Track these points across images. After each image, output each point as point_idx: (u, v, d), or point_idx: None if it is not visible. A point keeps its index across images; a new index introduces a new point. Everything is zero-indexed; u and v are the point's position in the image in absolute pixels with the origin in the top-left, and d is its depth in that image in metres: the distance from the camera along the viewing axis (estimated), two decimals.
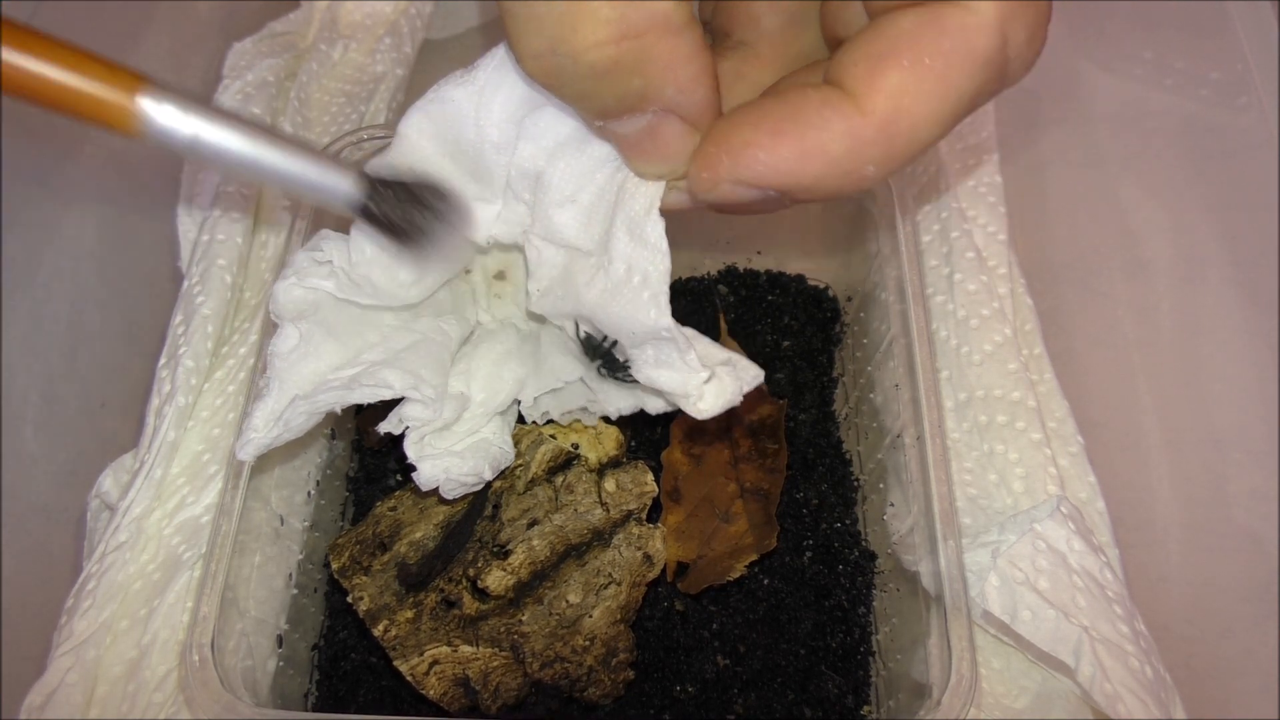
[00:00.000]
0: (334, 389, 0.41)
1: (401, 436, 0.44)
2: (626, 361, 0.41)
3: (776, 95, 0.32)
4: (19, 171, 0.54)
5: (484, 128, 0.39)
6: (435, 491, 0.45)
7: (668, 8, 0.30)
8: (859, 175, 0.31)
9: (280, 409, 0.41)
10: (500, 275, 0.47)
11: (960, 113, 0.30)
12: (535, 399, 0.47)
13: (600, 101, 0.32)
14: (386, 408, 0.49)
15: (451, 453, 0.44)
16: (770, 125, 0.31)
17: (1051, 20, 0.34)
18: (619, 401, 0.45)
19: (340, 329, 0.43)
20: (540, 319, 0.46)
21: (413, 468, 0.43)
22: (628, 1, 0.29)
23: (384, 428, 0.44)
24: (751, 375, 0.41)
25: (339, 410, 0.42)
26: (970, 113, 0.31)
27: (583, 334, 0.42)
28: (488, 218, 0.42)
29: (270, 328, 0.44)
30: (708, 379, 0.39)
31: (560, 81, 0.32)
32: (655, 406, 0.44)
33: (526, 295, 0.43)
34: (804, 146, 0.30)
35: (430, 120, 0.40)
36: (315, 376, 0.42)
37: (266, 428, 0.41)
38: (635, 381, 0.42)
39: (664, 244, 0.37)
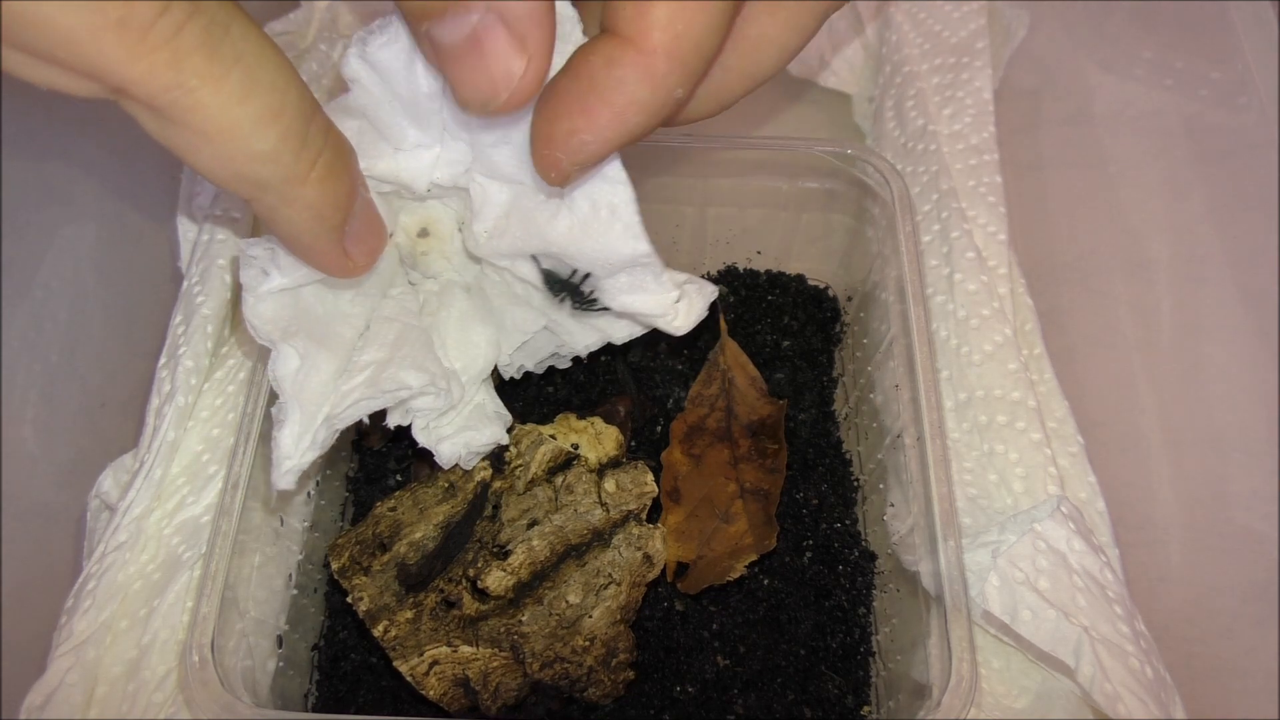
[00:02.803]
0: (357, 403, 0.41)
1: (402, 431, 0.44)
2: (593, 293, 0.42)
3: (567, 71, 0.32)
4: (19, 172, 0.54)
5: (415, 78, 0.38)
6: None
7: None
8: (673, 102, 0.32)
9: (311, 429, 0.41)
10: (423, 232, 0.46)
11: (730, 11, 0.31)
12: (510, 356, 0.47)
13: None
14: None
15: (465, 428, 0.45)
16: (578, 106, 0.32)
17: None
18: (585, 338, 0.45)
19: (320, 335, 0.42)
20: (476, 265, 0.46)
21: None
22: None
23: (393, 421, 0.43)
24: (710, 290, 0.43)
25: (366, 419, 0.42)
26: (737, 5, 0.32)
27: (544, 270, 0.42)
28: (425, 164, 0.41)
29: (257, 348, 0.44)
30: (678, 298, 0.41)
31: None
32: (620, 335, 0.45)
33: (474, 239, 0.43)
34: (615, 109, 0.31)
35: (368, 68, 0.39)
36: (324, 389, 0.41)
37: (299, 452, 0.41)
38: (603, 309, 0.43)
39: (622, 174, 0.38)
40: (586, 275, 0.41)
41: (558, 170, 0.34)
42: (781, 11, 0.36)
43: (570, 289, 0.43)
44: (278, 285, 0.40)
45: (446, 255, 0.46)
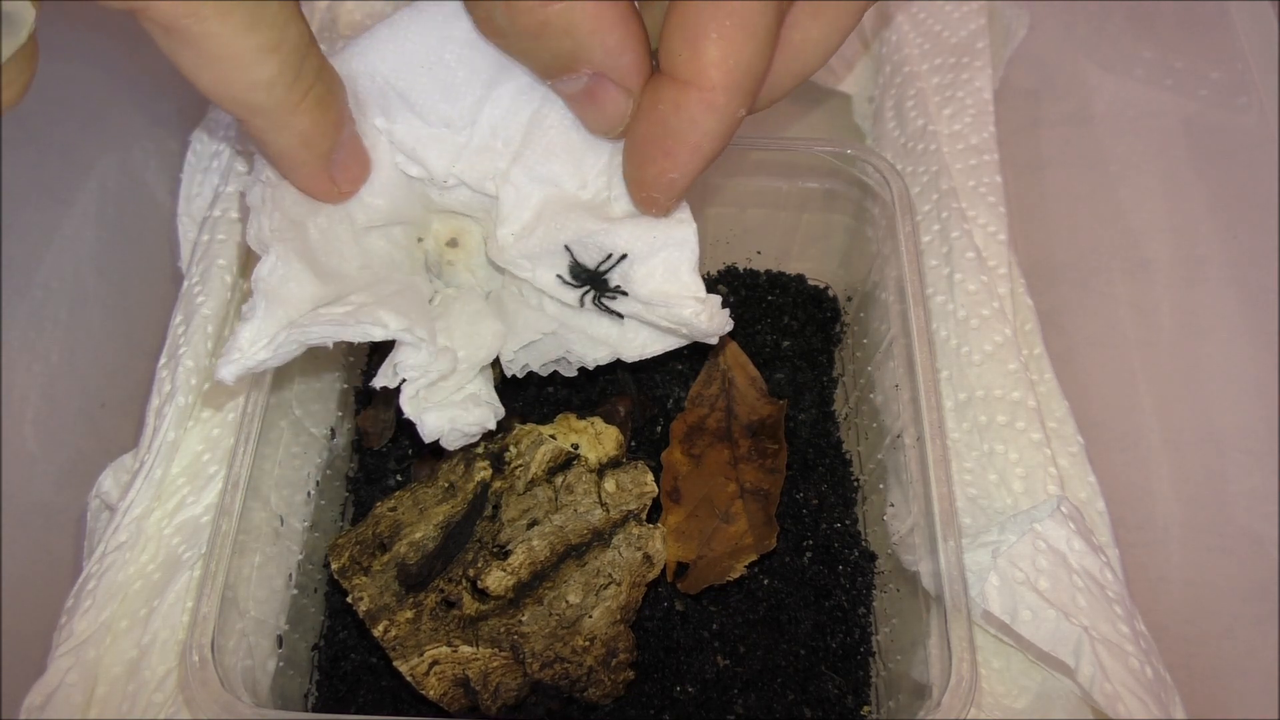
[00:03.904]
0: (328, 322, 0.40)
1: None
2: (618, 285, 0.43)
3: (642, 120, 0.37)
4: (19, 173, 0.54)
5: (458, 62, 0.40)
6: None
7: None
8: (740, 120, 0.36)
9: (271, 331, 0.39)
10: (452, 242, 0.47)
11: (773, 32, 0.35)
12: (515, 353, 0.47)
13: (540, 60, 0.37)
14: (386, 406, 0.48)
15: (453, 403, 0.45)
16: (660, 150, 0.37)
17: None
18: (595, 352, 0.46)
19: (315, 259, 0.42)
20: (498, 279, 0.47)
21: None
22: None
23: (379, 382, 0.43)
24: (725, 316, 0.44)
25: (330, 345, 0.41)
26: (779, 22, 0.35)
27: (571, 261, 0.43)
28: (449, 149, 0.42)
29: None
30: (703, 300, 0.43)
31: (506, 42, 0.37)
32: (630, 353, 0.46)
33: (497, 244, 0.44)
34: (692, 144, 0.36)
35: (423, 22, 0.40)
36: (299, 303, 0.40)
37: (253, 350, 0.39)
38: (617, 314, 0.44)
39: None
40: (621, 258, 0.42)
41: (657, 207, 0.40)
42: (823, 15, 0.38)
43: (595, 280, 0.43)
44: (273, 176, 0.41)
45: (471, 269, 0.47)
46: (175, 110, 0.63)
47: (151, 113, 0.63)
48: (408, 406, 0.43)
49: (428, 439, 0.44)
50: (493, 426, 0.46)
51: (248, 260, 0.57)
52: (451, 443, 0.45)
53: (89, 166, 0.59)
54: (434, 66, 0.40)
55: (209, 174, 0.59)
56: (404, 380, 0.43)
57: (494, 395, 0.47)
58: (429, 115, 0.41)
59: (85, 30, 0.60)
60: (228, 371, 0.39)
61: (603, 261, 0.42)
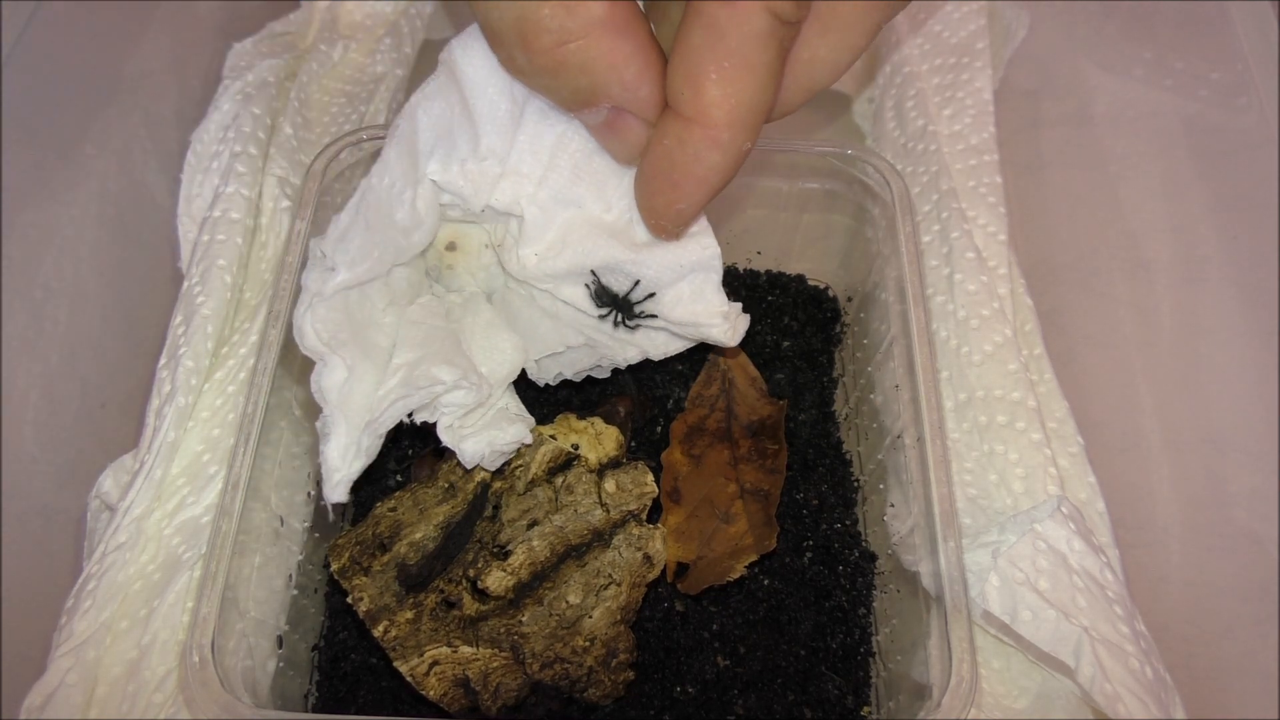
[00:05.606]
0: (396, 400, 0.41)
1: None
2: (643, 310, 0.45)
3: (650, 155, 0.38)
4: (19, 172, 0.54)
5: (500, 95, 0.41)
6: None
7: (602, 10, 0.33)
8: (746, 153, 0.36)
9: (356, 440, 0.41)
10: (451, 246, 0.47)
11: (776, 66, 0.35)
12: (538, 362, 0.48)
13: (561, 96, 0.38)
14: None
15: (489, 427, 0.46)
16: (667, 184, 0.38)
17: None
18: (625, 353, 0.47)
19: (363, 345, 0.43)
20: (499, 279, 0.47)
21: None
22: (565, 5, 0.33)
23: (419, 417, 0.44)
24: (746, 318, 0.47)
25: (406, 420, 0.43)
26: (783, 56, 0.35)
27: (595, 285, 0.44)
28: (489, 180, 0.43)
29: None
30: (727, 312, 0.44)
31: (528, 80, 0.38)
32: (657, 352, 0.47)
33: (519, 262, 0.44)
34: (698, 178, 0.37)
35: (478, 50, 0.40)
36: (367, 399, 0.42)
37: (347, 463, 0.41)
38: (638, 326, 0.46)
39: None
40: (649, 295, 0.44)
41: (668, 234, 0.42)
42: (832, 34, 0.38)
43: (620, 304, 0.45)
44: (340, 282, 0.41)
45: (471, 270, 0.47)
46: (175, 110, 0.63)
47: (151, 113, 0.63)
48: (445, 436, 0.44)
49: (469, 464, 0.45)
50: (529, 440, 0.47)
51: (248, 261, 0.57)
52: (492, 463, 0.46)
53: (89, 166, 0.59)
54: (479, 99, 0.41)
55: (209, 174, 0.59)
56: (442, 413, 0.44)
57: (521, 406, 0.48)
58: (477, 149, 0.42)
59: (85, 31, 0.60)
60: (337, 492, 0.42)
61: (631, 290, 0.44)
